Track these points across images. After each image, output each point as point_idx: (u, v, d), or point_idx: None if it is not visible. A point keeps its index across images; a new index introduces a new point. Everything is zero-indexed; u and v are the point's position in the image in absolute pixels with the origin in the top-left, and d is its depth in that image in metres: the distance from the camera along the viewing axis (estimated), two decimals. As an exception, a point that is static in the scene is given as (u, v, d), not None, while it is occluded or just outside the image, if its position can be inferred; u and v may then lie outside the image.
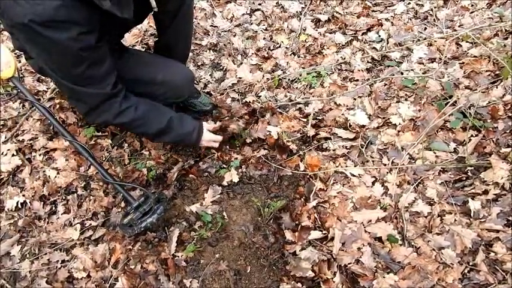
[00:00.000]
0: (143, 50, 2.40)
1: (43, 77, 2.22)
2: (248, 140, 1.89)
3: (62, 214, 1.71)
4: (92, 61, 1.25)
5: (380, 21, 2.44)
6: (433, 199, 1.56)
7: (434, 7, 2.45)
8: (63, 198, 1.76)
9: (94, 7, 1.09)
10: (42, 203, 1.75)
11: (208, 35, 2.53)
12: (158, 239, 1.60)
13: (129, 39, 2.42)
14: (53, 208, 1.74)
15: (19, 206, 1.74)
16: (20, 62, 2.32)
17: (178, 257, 1.54)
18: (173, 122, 1.56)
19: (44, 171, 1.84)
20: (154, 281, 1.49)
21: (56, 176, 1.81)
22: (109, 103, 1.38)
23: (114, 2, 1.07)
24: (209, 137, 1.70)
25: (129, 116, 1.44)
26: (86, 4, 1.09)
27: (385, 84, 2.05)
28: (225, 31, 2.55)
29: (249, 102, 2.05)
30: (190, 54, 2.32)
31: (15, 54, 2.29)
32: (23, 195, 1.76)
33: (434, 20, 2.38)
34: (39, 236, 1.64)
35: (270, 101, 2.05)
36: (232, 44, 2.42)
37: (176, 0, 1.51)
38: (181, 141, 1.73)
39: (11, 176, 1.84)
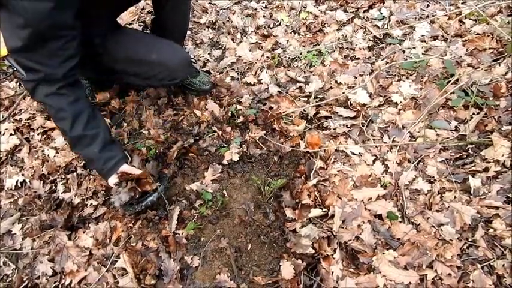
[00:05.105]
0: (140, 28, 2.36)
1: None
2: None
3: (61, 193, 1.71)
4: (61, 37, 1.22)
5: (382, -1, 2.39)
6: (433, 177, 1.56)
7: (438, -16, 2.40)
8: (63, 177, 1.76)
9: None
10: (42, 182, 1.74)
11: (207, 12, 2.48)
12: (159, 217, 1.60)
13: (126, 17, 2.37)
14: (53, 187, 1.74)
15: (19, 185, 1.73)
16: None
17: (179, 234, 1.54)
18: (101, 136, 1.43)
19: (42, 151, 1.83)
20: (156, 258, 1.49)
21: (55, 155, 1.80)
22: (54, 81, 1.31)
23: None
24: (129, 168, 1.51)
25: (59, 103, 1.34)
26: None
27: (387, 63, 2.02)
28: (224, 9, 2.50)
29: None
30: (189, 32, 2.28)
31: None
32: (22, 175, 1.76)
33: (437, -3, 2.33)
34: (39, 214, 1.64)
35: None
36: (232, 22, 2.38)
37: None
38: (95, 162, 1.48)
39: (9, 156, 1.83)
